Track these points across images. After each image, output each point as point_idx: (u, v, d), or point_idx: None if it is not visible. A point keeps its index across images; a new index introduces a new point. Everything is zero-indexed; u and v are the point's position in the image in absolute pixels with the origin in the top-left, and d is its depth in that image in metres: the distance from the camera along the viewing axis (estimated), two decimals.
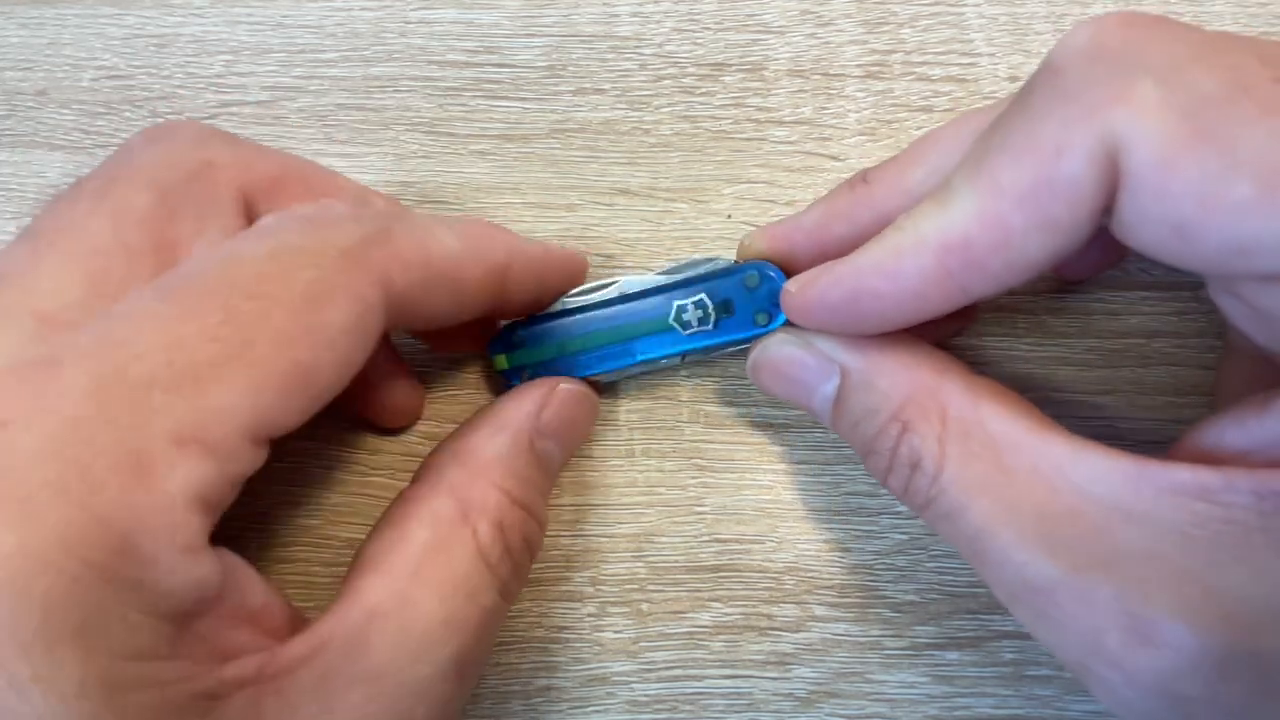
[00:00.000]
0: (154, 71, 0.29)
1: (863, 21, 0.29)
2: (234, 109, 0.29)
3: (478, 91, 0.29)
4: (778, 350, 0.23)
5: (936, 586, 0.25)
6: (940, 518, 0.20)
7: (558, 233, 0.27)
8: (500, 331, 0.25)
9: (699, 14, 0.29)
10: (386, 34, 0.29)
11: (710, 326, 0.24)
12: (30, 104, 0.29)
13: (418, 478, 0.22)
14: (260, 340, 0.17)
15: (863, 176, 0.23)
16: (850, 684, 0.24)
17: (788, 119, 0.28)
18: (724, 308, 0.24)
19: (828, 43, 0.29)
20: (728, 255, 0.25)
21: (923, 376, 0.20)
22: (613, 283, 0.24)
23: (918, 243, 0.19)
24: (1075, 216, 0.17)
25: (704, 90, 0.29)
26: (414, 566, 0.19)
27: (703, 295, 0.24)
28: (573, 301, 0.24)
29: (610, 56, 0.29)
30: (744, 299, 0.24)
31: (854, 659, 0.24)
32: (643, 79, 0.29)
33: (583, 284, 0.24)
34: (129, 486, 0.16)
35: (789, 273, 0.23)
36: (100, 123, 0.29)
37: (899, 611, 0.24)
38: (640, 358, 0.24)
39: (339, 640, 0.18)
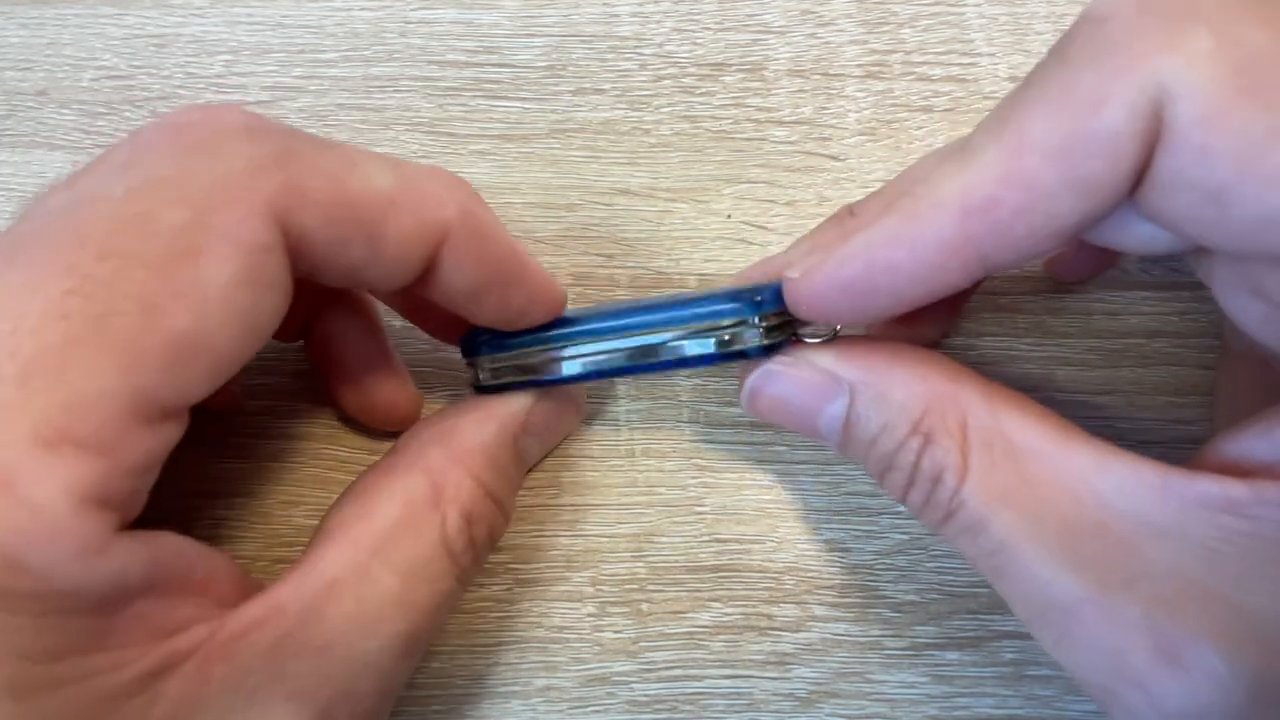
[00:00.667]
0: (154, 71, 0.29)
1: (863, 21, 0.29)
2: None
3: (478, 91, 0.29)
4: (776, 375, 0.21)
5: (936, 586, 0.25)
6: (960, 532, 0.19)
7: (558, 233, 0.27)
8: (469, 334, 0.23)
9: (699, 14, 0.29)
10: (386, 34, 0.29)
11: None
12: (30, 104, 0.29)
13: (397, 449, 0.21)
14: (121, 309, 0.15)
15: (849, 210, 0.22)
16: (850, 684, 0.24)
17: (788, 119, 0.28)
18: (732, 327, 0.21)
19: (828, 43, 0.29)
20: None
21: (939, 385, 0.19)
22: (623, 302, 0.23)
23: (936, 206, 0.17)
24: (1113, 175, 0.16)
25: (704, 90, 0.29)
26: (378, 543, 0.19)
27: (710, 314, 0.21)
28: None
29: (610, 56, 0.29)
30: (750, 317, 0.21)
31: (854, 659, 0.24)
32: (643, 79, 0.29)
33: (551, 317, 0.22)
34: None
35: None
36: (100, 123, 0.29)
37: (899, 611, 0.24)
38: (621, 368, 0.22)
39: (294, 607, 0.17)
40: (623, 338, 0.22)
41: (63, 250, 0.15)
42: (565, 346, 0.22)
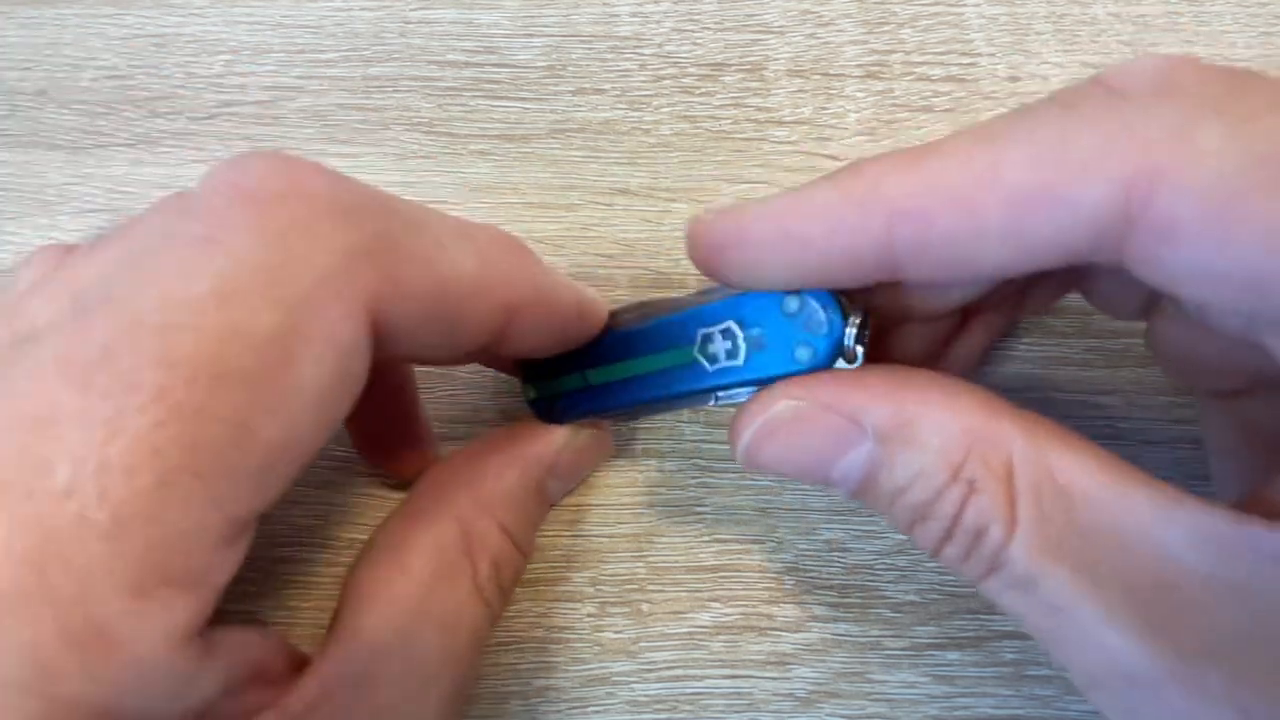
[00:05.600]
0: (154, 71, 0.29)
1: (863, 21, 0.29)
2: (234, 109, 0.29)
3: (478, 91, 0.29)
4: (782, 422, 0.18)
5: (936, 586, 0.25)
6: (1006, 589, 0.17)
7: (557, 233, 0.27)
8: (529, 361, 0.23)
9: (699, 14, 0.29)
10: (386, 34, 0.29)
11: (739, 361, 0.19)
12: (30, 104, 0.29)
13: (422, 492, 0.21)
14: (213, 434, 0.14)
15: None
16: (850, 684, 0.24)
17: (788, 119, 0.28)
18: (756, 340, 0.19)
19: (828, 43, 0.29)
20: None
21: (978, 421, 0.17)
22: (641, 304, 0.22)
23: (872, 196, 0.16)
24: (1055, 246, 0.15)
25: (704, 90, 0.29)
26: (417, 601, 0.19)
27: (730, 323, 0.19)
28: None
29: (610, 56, 0.29)
30: (779, 327, 0.19)
31: (854, 659, 0.24)
32: (643, 79, 0.29)
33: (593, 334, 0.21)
34: (93, 664, 0.13)
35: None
36: (100, 123, 0.29)
37: (899, 611, 0.24)
38: (663, 393, 0.20)
39: (346, 681, 0.17)
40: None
41: (147, 372, 0.13)
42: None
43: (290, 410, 0.15)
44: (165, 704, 0.14)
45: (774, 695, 0.24)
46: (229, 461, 0.14)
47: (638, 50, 0.29)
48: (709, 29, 0.29)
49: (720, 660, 0.24)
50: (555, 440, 0.22)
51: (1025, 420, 0.17)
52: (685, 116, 0.28)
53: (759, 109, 0.28)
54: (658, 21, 0.29)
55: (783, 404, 0.18)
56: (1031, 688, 0.24)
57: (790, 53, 0.29)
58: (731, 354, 0.19)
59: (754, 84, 0.29)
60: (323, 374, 0.15)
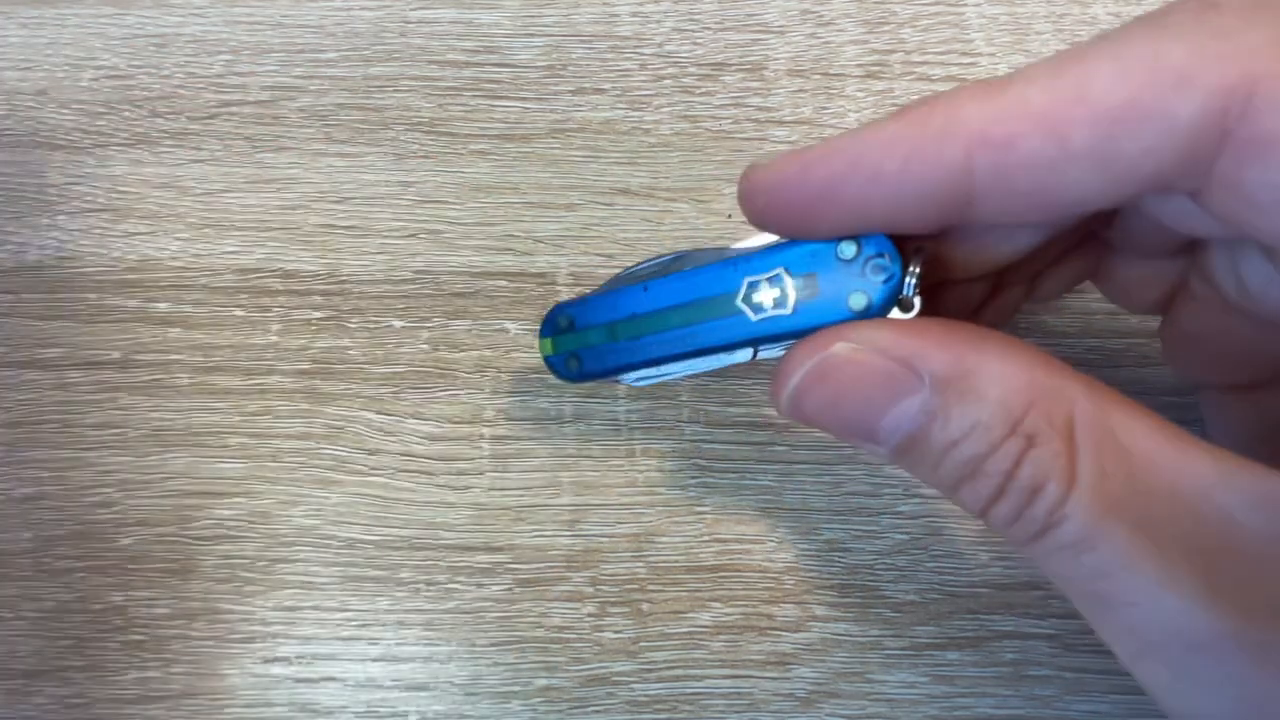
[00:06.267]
0: (154, 71, 0.29)
1: (863, 21, 0.29)
2: (234, 109, 0.29)
3: (478, 91, 0.29)
4: (836, 365, 0.17)
5: (936, 586, 0.25)
6: (1056, 550, 0.16)
7: (557, 233, 0.27)
8: (549, 312, 0.22)
9: (699, 14, 0.29)
10: (386, 34, 0.29)
11: (787, 310, 0.18)
12: (30, 104, 0.29)
13: None
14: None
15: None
16: (850, 684, 0.24)
17: (788, 119, 0.28)
18: (807, 288, 0.18)
19: (828, 43, 0.29)
20: None
21: (1040, 376, 0.16)
22: (677, 256, 0.20)
23: (950, 125, 0.15)
24: (1143, 169, 0.14)
25: (704, 90, 0.29)
26: None
27: (780, 270, 0.18)
28: (627, 277, 0.21)
29: (610, 56, 0.29)
30: (833, 273, 0.18)
31: (854, 659, 0.24)
32: (643, 79, 0.29)
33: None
34: None
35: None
36: (100, 123, 0.29)
37: (899, 611, 0.24)
38: (700, 345, 0.19)
39: None
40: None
41: None
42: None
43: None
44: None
45: (774, 695, 0.24)
46: None
47: (638, 50, 0.29)
48: (709, 29, 0.29)
49: (720, 660, 0.24)
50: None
51: (1087, 379, 0.16)
52: (685, 116, 0.28)
53: (759, 109, 0.28)
54: (658, 21, 0.29)
55: (838, 346, 0.17)
56: (1031, 688, 0.24)
57: (790, 52, 0.29)
58: (779, 302, 0.18)
59: (754, 84, 0.29)
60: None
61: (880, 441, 0.17)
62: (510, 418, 0.26)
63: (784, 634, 0.24)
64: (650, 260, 0.21)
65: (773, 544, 0.25)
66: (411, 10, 0.30)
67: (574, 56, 0.29)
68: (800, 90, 0.29)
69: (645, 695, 0.24)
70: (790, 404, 0.18)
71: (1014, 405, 0.16)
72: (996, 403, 0.16)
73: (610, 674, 0.24)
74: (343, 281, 0.27)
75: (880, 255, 0.17)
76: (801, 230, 0.18)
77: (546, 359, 0.22)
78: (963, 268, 0.19)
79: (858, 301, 0.17)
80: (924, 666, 0.24)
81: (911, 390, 0.16)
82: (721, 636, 0.24)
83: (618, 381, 0.22)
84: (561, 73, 0.29)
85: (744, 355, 0.19)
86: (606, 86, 0.29)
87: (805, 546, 0.25)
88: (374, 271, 0.28)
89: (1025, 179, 0.15)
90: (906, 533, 0.25)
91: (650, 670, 0.24)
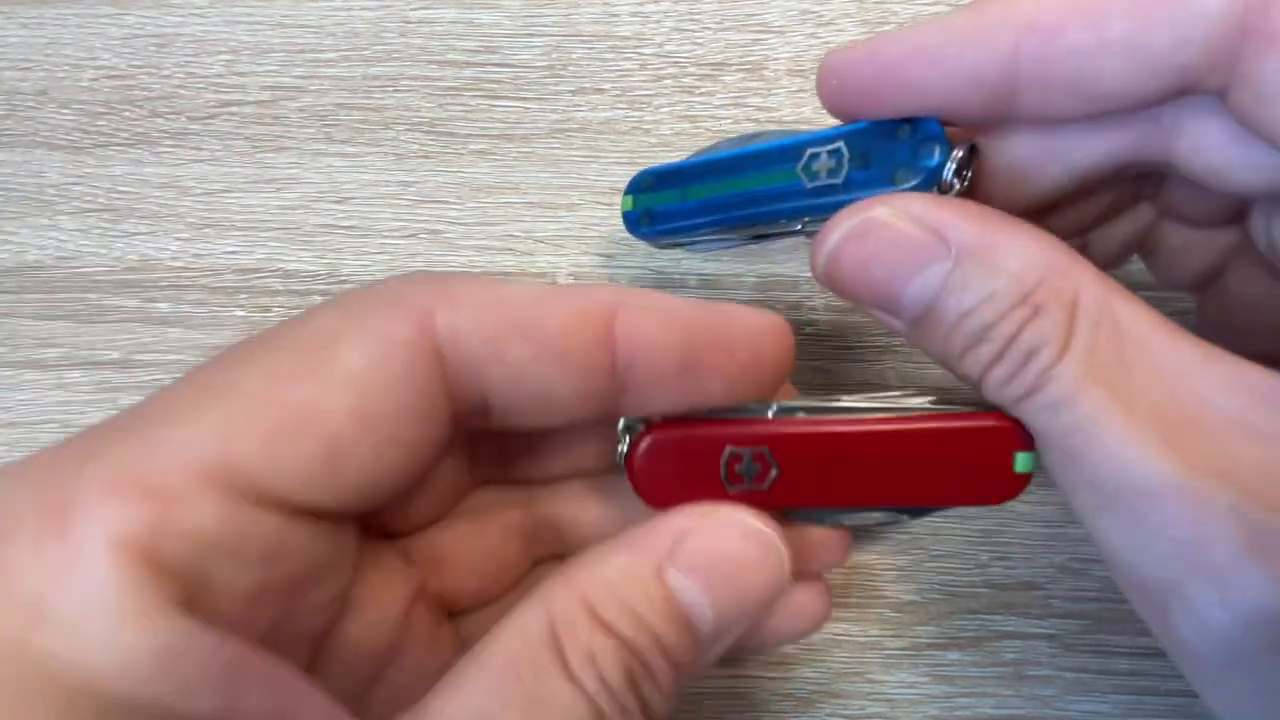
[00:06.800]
0: (154, 71, 0.29)
1: (863, 21, 0.29)
2: (234, 109, 0.29)
3: (478, 91, 0.29)
4: (873, 229, 0.18)
5: (936, 586, 0.25)
6: (1040, 408, 0.17)
7: (557, 233, 0.27)
8: (636, 174, 0.23)
9: (699, 14, 0.29)
10: (386, 34, 0.29)
11: (839, 180, 0.19)
12: (30, 104, 0.29)
13: (528, 593, 0.19)
14: (246, 378, 0.15)
15: None
16: (850, 684, 0.24)
17: (788, 119, 0.28)
18: (859, 161, 0.19)
19: (828, 43, 0.29)
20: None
21: (1056, 256, 0.17)
22: (754, 135, 0.22)
23: (1006, 16, 0.17)
24: (1174, 60, 0.16)
25: (704, 90, 0.29)
26: (495, 685, 0.17)
27: (840, 144, 0.19)
28: (709, 149, 0.23)
29: (610, 56, 0.29)
30: (886, 151, 0.19)
31: (854, 659, 0.24)
32: (643, 79, 0.29)
33: (786, 372, 0.20)
34: (41, 536, 0.13)
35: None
36: (100, 123, 0.29)
37: (899, 611, 0.24)
38: (757, 209, 0.21)
39: None
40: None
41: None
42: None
43: (322, 375, 0.16)
44: (89, 629, 0.13)
45: (774, 695, 0.24)
46: (247, 399, 0.15)
47: (638, 50, 0.29)
48: (709, 29, 0.29)
49: (720, 660, 0.24)
50: (682, 519, 0.19)
51: (1098, 270, 0.17)
52: (686, 116, 0.28)
53: (759, 109, 0.28)
54: (658, 21, 0.29)
55: (878, 209, 0.18)
56: (1031, 688, 0.24)
57: (790, 52, 0.29)
58: (833, 172, 0.20)
59: (754, 84, 0.29)
60: (362, 354, 0.16)
61: (901, 311, 0.18)
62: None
63: None
64: (730, 139, 0.22)
65: None
66: (411, 10, 0.30)
67: (574, 56, 0.29)
68: (800, 90, 0.29)
69: None
70: (828, 261, 0.19)
71: (1028, 278, 0.17)
72: (1012, 275, 0.17)
73: None
74: (343, 281, 0.27)
75: (930, 138, 0.18)
76: (867, 110, 0.19)
77: (624, 214, 0.23)
78: (1009, 184, 0.20)
79: (903, 178, 0.19)
80: (924, 666, 0.24)
81: (938, 258, 0.17)
82: None
83: (683, 247, 0.23)
84: (561, 73, 0.29)
85: (795, 225, 0.21)
86: (606, 86, 0.29)
87: None
88: (374, 271, 0.28)
89: (1065, 66, 0.17)
90: (906, 532, 0.25)
91: None
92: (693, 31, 0.29)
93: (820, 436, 0.19)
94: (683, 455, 0.19)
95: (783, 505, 0.19)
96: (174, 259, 0.28)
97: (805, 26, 0.29)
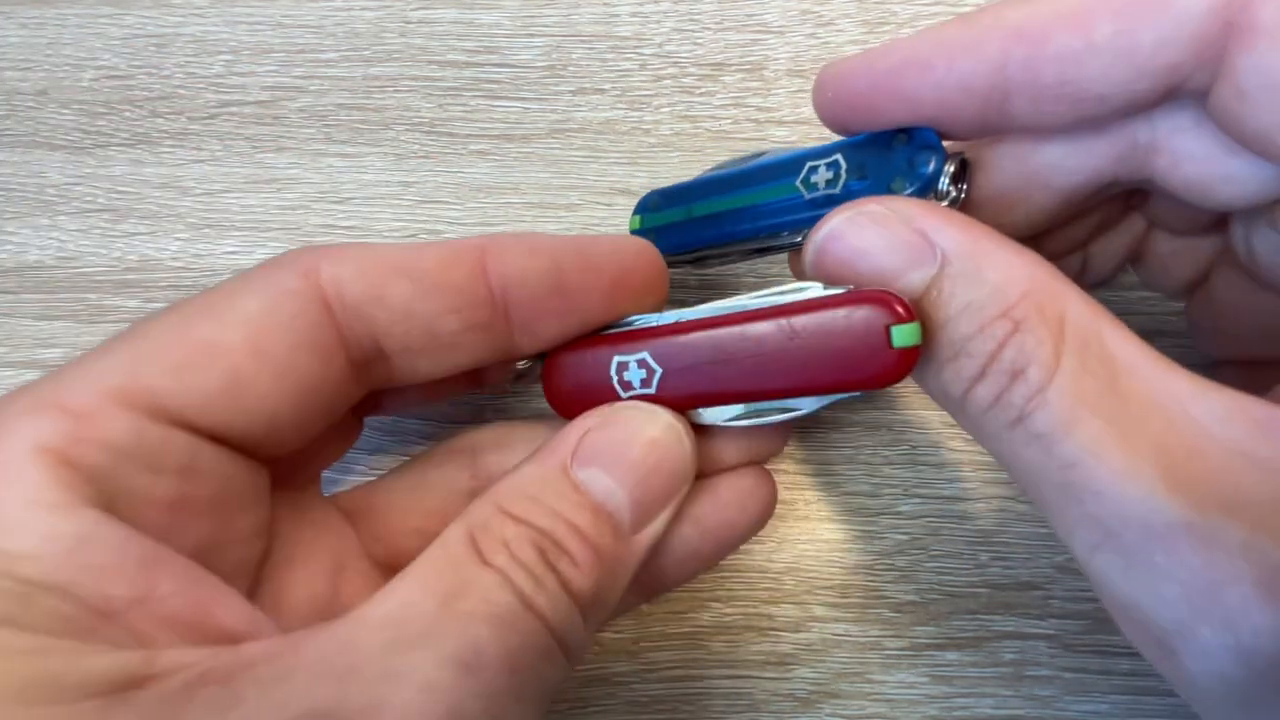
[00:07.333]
0: (154, 71, 0.29)
1: (863, 21, 0.29)
2: (234, 109, 0.29)
3: (478, 91, 0.29)
4: (865, 223, 0.18)
5: (936, 586, 0.25)
6: (1031, 439, 0.16)
7: (557, 233, 0.27)
8: (644, 195, 0.24)
9: (699, 14, 0.29)
10: (386, 34, 0.29)
11: (836, 189, 0.20)
12: (30, 104, 0.29)
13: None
14: (156, 324, 0.17)
15: None
16: (850, 684, 0.24)
17: (788, 119, 0.28)
18: (857, 171, 0.20)
19: (828, 43, 0.29)
20: None
21: (1041, 274, 0.17)
22: (757, 154, 0.23)
23: (993, 22, 0.17)
24: (1159, 60, 0.16)
25: (704, 90, 0.29)
26: (418, 585, 0.17)
27: (838, 156, 0.20)
28: (713, 169, 0.23)
29: (610, 56, 0.29)
30: (882, 161, 0.20)
31: (854, 659, 0.24)
32: (643, 79, 0.29)
33: (661, 285, 0.21)
34: None
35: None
36: (100, 123, 0.29)
37: (899, 611, 0.24)
38: (758, 224, 0.21)
39: (314, 640, 0.16)
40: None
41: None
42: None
43: (222, 316, 0.17)
44: (22, 513, 0.15)
45: (774, 695, 0.24)
46: (158, 337, 0.17)
47: (638, 50, 0.29)
48: (709, 29, 0.29)
49: (720, 660, 0.24)
50: (583, 421, 0.20)
51: (1087, 295, 0.17)
52: (685, 116, 0.28)
53: (759, 109, 0.28)
54: (658, 21, 0.29)
55: (872, 205, 0.18)
56: (1031, 688, 0.24)
57: (790, 53, 0.29)
58: (831, 183, 0.20)
59: (754, 84, 0.29)
60: (258, 301, 0.18)
61: None
62: (509, 417, 0.26)
63: (784, 634, 0.24)
64: (733, 159, 0.23)
65: (773, 544, 0.25)
66: (411, 10, 0.30)
67: (574, 56, 0.29)
68: (800, 90, 0.29)
69: (645, 695, 0.24)
70: (816, 253, 0.19)
71: (1009, 291, 0.17)
72: (993, 286, 0.17)
73: (610, 674, 0.24)
74: None
75: (926, 147, 0.19)
76: (863, 122, 0.19)
77: (632, 234, 0.24)
78: (996, 213, 0.20)
79: (900, 186, 0.19)
80: (924, 666, 0.24)
81: (923, 261, 0.17)
82: (721, 636, 0.24)
83: (690, 264, 0.24)
84: (561, 73, 0.29)
85: (795, 241, 0.21)
86: (606, 86, 0.29)
87: (805, 546, 0.25)
88: None
89: (1053, 71, 0.17)
90: (906, 533, 0.25)
91: (650, 670, 0.24)
92: (692, 32, 0.29)
93: (690, 333, 0.19)
94: (580, 369, 0.21)
95: (674, 405, 0.20)
96: (174, 259, 0.28)
97: (805, 27, 0.29)
